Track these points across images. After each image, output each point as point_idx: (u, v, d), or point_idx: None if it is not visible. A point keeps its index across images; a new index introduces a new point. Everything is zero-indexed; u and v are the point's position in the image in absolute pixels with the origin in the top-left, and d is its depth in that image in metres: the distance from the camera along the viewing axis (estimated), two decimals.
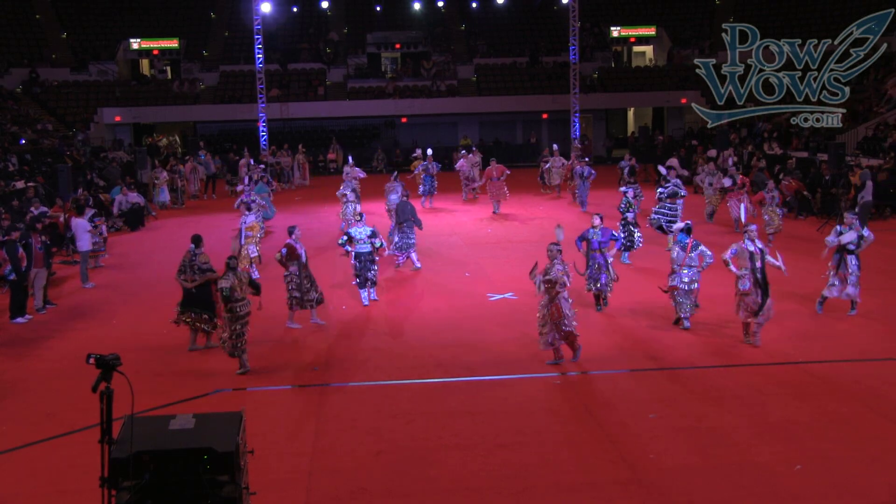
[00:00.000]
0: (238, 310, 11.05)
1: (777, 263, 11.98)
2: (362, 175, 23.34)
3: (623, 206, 17.28)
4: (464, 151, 28.53)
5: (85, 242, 17.07)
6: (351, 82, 39.79)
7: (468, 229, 22.03)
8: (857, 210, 16.74)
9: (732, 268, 11.83)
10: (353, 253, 14.36)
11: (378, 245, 14.36)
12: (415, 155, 27.76)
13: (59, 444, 9.21)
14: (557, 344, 11.14)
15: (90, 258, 17.52)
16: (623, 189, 18.16)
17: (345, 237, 14.57)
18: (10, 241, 14.39)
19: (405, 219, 16.88)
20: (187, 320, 12.29)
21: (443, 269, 17.43)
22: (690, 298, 12.64)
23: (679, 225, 13.51)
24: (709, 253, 12.63)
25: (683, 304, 12.63)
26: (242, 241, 16.45)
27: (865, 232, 13.32)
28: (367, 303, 14.59)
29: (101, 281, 17.12)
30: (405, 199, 17.98)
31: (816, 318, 13.22)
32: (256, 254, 16.74)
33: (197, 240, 12.50)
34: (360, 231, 14.33)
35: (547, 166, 27.66)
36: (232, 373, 11.31)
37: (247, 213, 17.54)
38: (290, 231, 13.46)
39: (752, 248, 11.72)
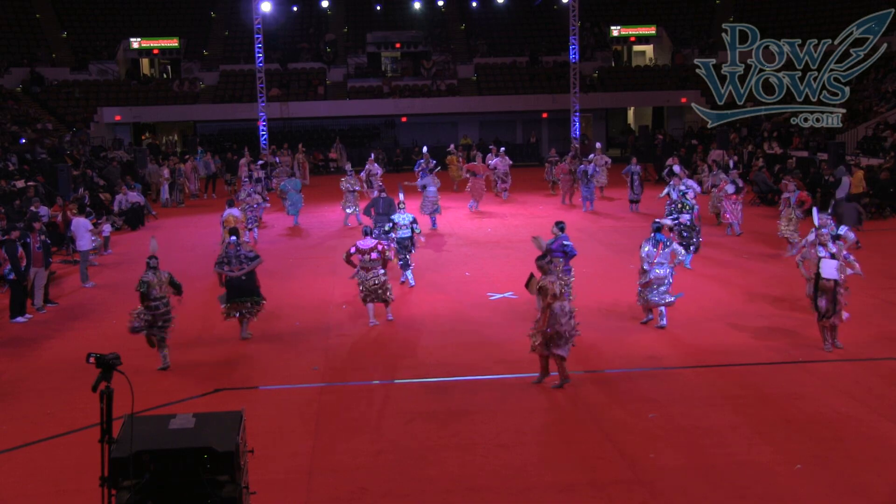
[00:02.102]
0: (158, 308, 11.29)
1: (851, 271, 11.91)
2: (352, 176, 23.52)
3: (672, 208, 16.82)
4: (502, 150, 28.03)
5: (85, 242, 17.09)
6: (351, 82, 39.80)
7: (468, 229, 22.01)
8: (830, 210, 16.48)
9: (803, 270, 12.05)
10: (395, 237, 15.51)
11: (417, 231, 15.66)
12: (449, 150, 28.31)
13: (59, 444, 9.21)
14: (542, 352, 10.46)
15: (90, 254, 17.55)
16: (682, 189, 17.53)
17: (390, 223, 15.85)
18: (10, 240, 14.39)
19: (383, 212, 17.26)
20: (236, 312, 12.70)
21: (443, 268, 17.42)
22: (661, 294, 12.61)
23: (666, 222, 13.58)
24: (681, 251, 12.68)
25: (653, 300, 12.62)
26: (222, 233, 16.77)
27: (842, 230, 13.05)
28: (408, 282, 15.72)
29: (101, 280, 17.12)
30: (383, 194, 18.08)
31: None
32: None
33: (236, 231, 13.07)
34: (403, 217, 15.58)
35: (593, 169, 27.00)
36: (233, 372, 11.34)
37: (228, 207, 17.97)
38: (368, 232, 13.66)
39: (822, 254, 11.53)
